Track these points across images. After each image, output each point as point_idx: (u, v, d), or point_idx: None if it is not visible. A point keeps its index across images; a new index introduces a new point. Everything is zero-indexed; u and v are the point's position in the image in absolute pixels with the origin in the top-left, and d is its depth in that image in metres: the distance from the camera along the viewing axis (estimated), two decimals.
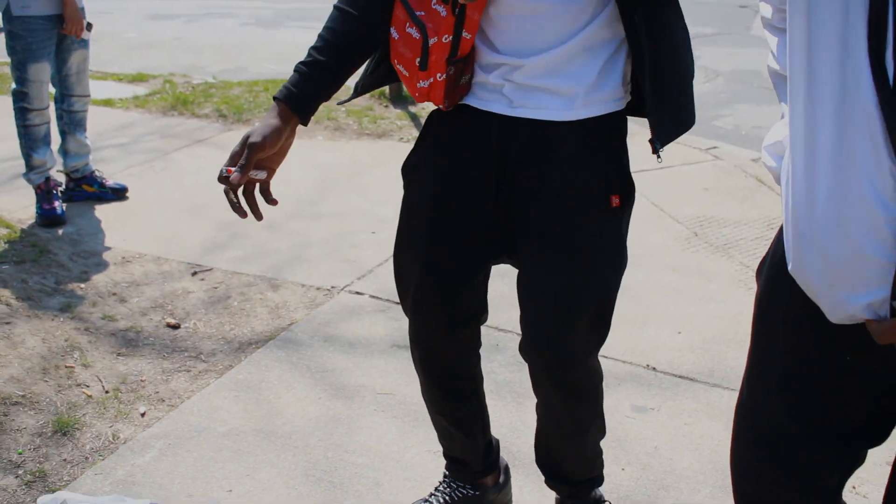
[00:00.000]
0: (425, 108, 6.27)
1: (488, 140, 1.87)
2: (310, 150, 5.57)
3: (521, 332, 2.00)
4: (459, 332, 2.11)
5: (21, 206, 4.63)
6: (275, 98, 1.82)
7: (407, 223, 2.06)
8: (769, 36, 1.45)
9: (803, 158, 1.21)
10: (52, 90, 4.61)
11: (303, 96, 1.81)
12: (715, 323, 3.44)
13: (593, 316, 1.92)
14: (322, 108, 5.97)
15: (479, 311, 2.12)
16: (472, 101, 1.88)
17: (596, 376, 2.07)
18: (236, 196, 1.82)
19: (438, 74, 1.77)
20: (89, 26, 4.60)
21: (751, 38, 10.37)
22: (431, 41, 1.74)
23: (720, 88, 7.95)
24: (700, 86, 8.00)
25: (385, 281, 3.78)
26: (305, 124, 1.86)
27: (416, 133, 5.82)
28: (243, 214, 1.82)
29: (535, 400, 2.12)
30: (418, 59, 1.76)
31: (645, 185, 4.75)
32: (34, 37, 4.38)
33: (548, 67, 1.79)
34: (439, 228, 1.98)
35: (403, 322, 3.39)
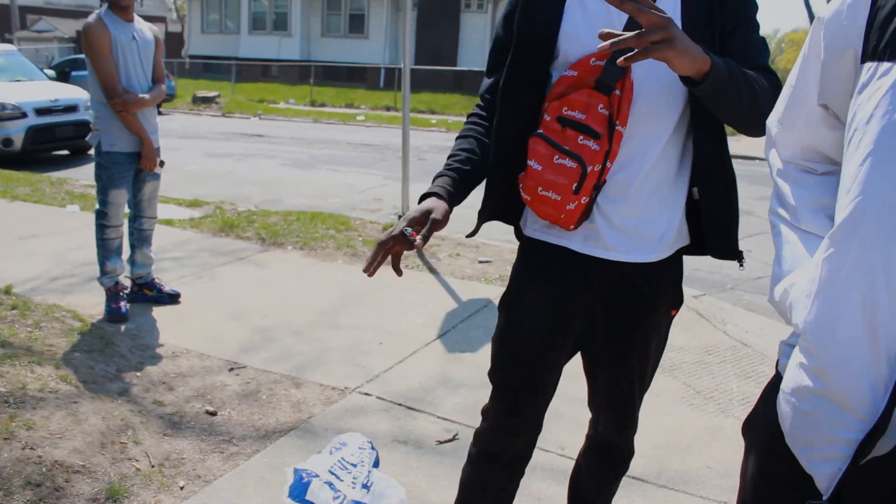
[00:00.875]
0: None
1: (588, 278, 1.87)
2: (331, 271, 5.61)
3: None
4: (536, 431, 2.05)
5: (93, 304, 4.63)
6: (433, 194, 1.79)
7: (513, 341, 1.95)
8: (784, 184, 1.34)
9: None
10: (126, 211, 4.67)
11: (456, 196, 1.82)
12: (662, 432, 3.42)
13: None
14: (342, 236, 6.02)
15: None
16: (574, 244, 1.87)
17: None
18: (382, 257, 1.75)
19: (584, 198, 1.75)
20: (162, 163, 4.70)
21: None
22: (589, 169, 1.72)
23: None
24: None
25: (389, 384, 3.76)
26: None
27: (419, 262, 5.87)
28: (373, 272, 1.75)
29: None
30: (574, 185, 1.73)
31: None
32: (117, 169, 4.47)
33: (638, 214, 1.81)
34: (544, 350, 1.93)
35: (404, 420, 3.41)
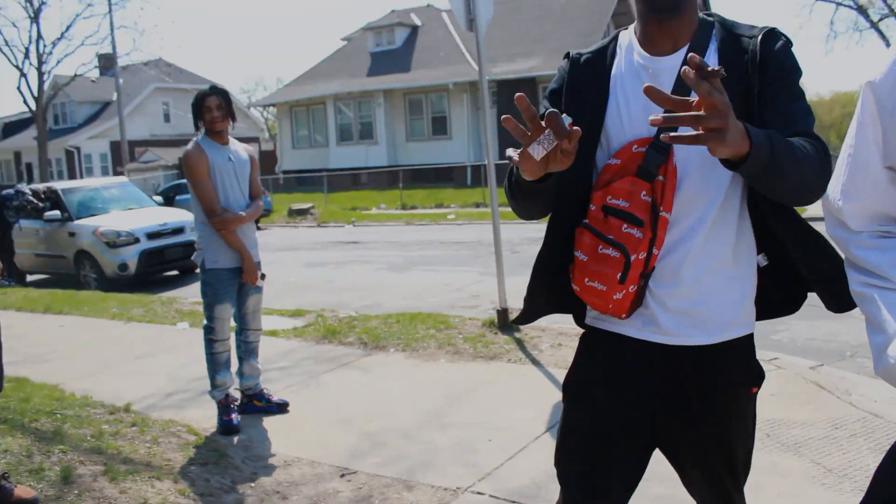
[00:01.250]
0: (528, 333, 6.28)
1: (651, 364, 1.84)
2: (434, 371, 5.61)
3: None
4: None
5: (206, 418, 4.74)
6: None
7: (575, 437, 1.92)
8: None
9: None
10: (232, 324, 4.82)
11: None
12: None
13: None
14: (443, 335, 6.02)
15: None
16: (631, 331, 1.84)
17: None
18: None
19: (631, 286, 1.74)
20: (263, 276, 4.87)
21: None
22: (632, 258, 1.71)
23: None
24: None
25: (501, 481, 3.67)
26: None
27: (521, 355, 5.81)
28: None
29: None
30: (619, 274, 1.72)
31: None
32: (221, 285, 4.64)
33: (692, 296, 1.78)
34: (607, 448, 1.87)
35: None
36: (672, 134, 1.36)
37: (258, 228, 21.51)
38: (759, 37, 1.74)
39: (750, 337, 1.87)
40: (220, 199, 4.63)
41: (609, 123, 1.82)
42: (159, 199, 18.18)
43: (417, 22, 34.50)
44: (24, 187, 14.09)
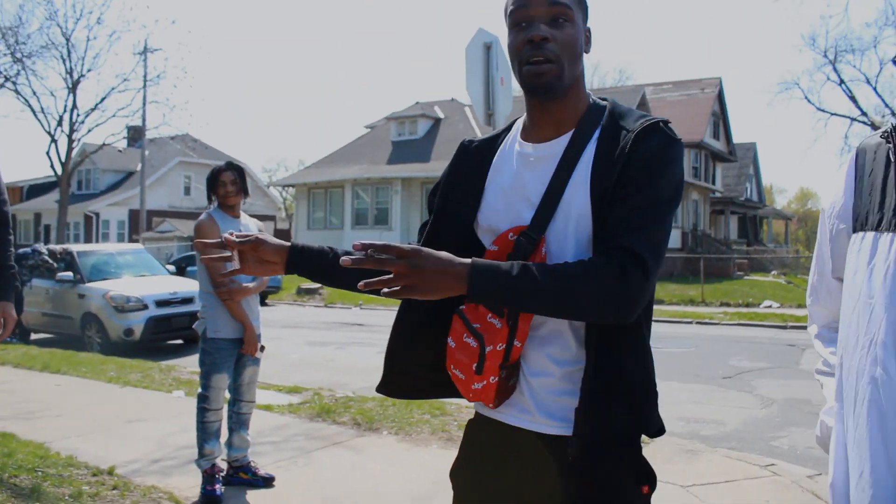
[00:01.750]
0: None
1: (528, 453, 1.77)
2: (426, 456, 5.51)
3: None
4: None
5: (189, 486, 4.65)
6: (292, 244, 1.90)
7: None
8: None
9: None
10: (226, 395, 4.78)
11: (303, 258, 1.90)
12: None
13: None
14: (438, 420, 5.95)
15: None
16: (505, 416, 1.80)
17: None
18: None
19: (491, 377, 1.69)
20: (262, 349, 4.86)
21: (800, 371, 10.14)
22: (488, 349, 1.68)
23: (775, 414, 7.68)
24: (758, 411, 7.77)
25: None
26: (284, 272, 1.91)
27: None
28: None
29: None
30: (475, 364, 1.69)
31: (713, 495, 4.50)
32: (220, 354, 4.64)
33: (565, 386, 1.71)
34: None
35: None
36: (365, 280, 1.51)
37: (265, 304, 21.62)
38: (636, 132, 1.68)
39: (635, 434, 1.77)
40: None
41: (489, 211, 1.82)
42: (172, 268, 18.30)
43: (440, 114, 35.25)
44: (41, 247, 14.25)
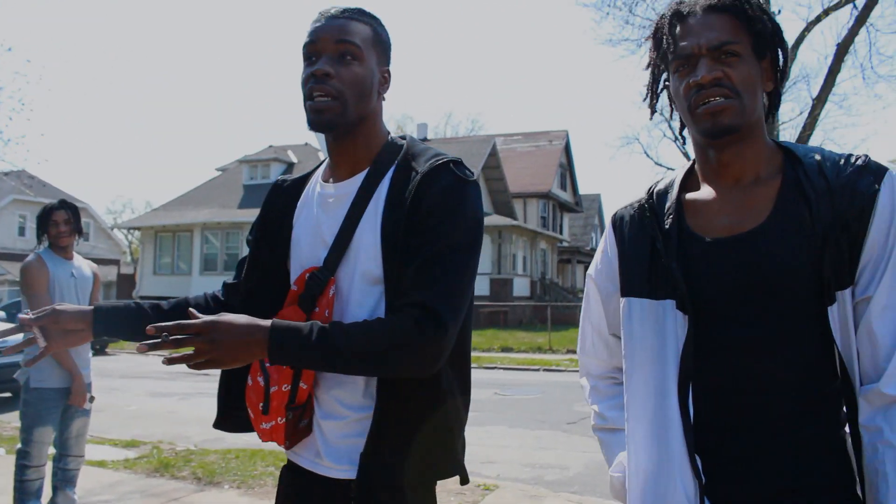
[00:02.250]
0: None
1: (321, 497, 1.74)
2: None
3: None
4: None
5: None
6: (96, 307, 1.85)
7: None
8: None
9: (643, 473, 1.53)
10: (51, 451, 4.46)
11: (109, 320, 1.85)
12: None
13: None
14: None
15: None
16: (298, 459, 1.79)
17: None
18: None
19: (279, 418, 1.68)
20: (91, 399, 4.58)
21: None
22: (272, 389, 1.68)
23: None
24: (599, 455, 7.90)
25: None
26: (92, 337, 1.87)
27: None
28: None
29: None
30: (261, 404, 1.69)
31: None
32: (44, 405, 4.34)
33: (355, 427, 1.70)
34: None
35: None
36: (167, 357, 1.49)
37: (104, 353, 20.47)
38: (423, 173, 1.67)
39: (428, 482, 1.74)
40: None
41: (295, 251, 1.84)
42: (2, 314, 17.05)
43: (294, 159, 34.97)
44: None
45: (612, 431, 1.70)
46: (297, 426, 1.72)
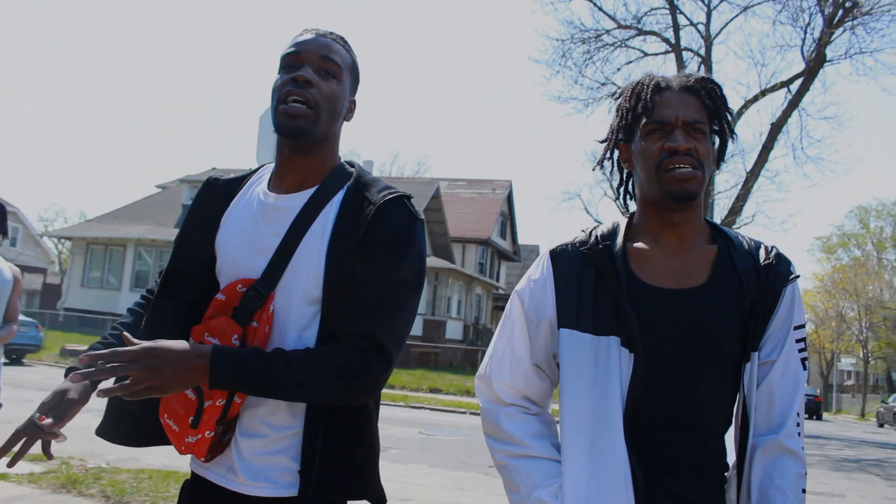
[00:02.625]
0: None
1: None
2: None
3: None
4: None
5: None
6: (71, 370, 1.72)
7: None
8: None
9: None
10: None
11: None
12: None
13: None
14: None
15: None
16: (209, 474, 1.74)
17: None
18: (15, 445, 1.69)
19: (207, 432, 1.63)
20: None
21: None
22: (207, 403, 1.62)
23: None
24: None
25: None
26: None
27: None
28: (11, 464, 1.72)
29: None
30: (192, 418, 1.63)
31: None
32: None
33: (275, 445, 1.68)
34: None
35: None
36: (101, 389, 1.47)
37: (21, 363, 19.75)
38: (378, 205, 1.69)
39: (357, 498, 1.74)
40: None
41: (222, 255, 1.79)
42: None
43: None
44: None
45: (533, 459, 1.68)
46: (221, 440, 1.69)
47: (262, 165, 1.91)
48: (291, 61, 1.73)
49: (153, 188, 38.26)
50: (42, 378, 16.87)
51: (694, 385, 1.63)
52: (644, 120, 1.70)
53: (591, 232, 1.77)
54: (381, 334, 1.61)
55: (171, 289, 1.83)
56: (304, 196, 1.74)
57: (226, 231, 1.80)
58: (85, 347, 20.60)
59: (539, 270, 1.77)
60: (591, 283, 1.68)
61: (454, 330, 33.03)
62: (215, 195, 1.87)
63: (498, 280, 42.32)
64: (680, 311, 1.64)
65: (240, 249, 1.75)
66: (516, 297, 1.79)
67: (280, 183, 1.79)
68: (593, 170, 1.90)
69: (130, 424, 1.82)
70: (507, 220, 42.29)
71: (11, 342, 4.38)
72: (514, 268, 46.84)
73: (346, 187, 1.75)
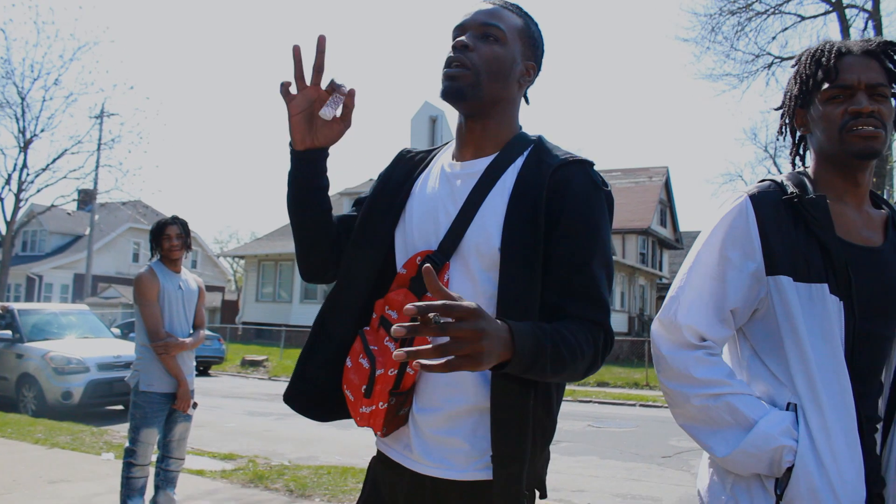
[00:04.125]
0: None
1: (404, 493, 1.70)
2: None
3: None
4: None
5: None
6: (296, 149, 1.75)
7: None
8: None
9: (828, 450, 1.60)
10: (155, 452, 4.68)
11: (322, 166, 1.77)
12: None
13: None
14: None
15: None
16: (389, 451, 1.74)
17: None
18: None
19: (380, 403, 1.62)
20: (195, 405, 4.80)
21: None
22: (378, 372, 1.62)
23: None
24: (694, 489, 7.74)
25: None
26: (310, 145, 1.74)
27: None
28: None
29: None
30: (364, 387, 1.63)
31: None
32: (151, 408, 4.57)
33: (451, 423, 1.64)
34: None
35: None
36: (422, 362, 1.21)
37: (207, 374, 21.19)
38: (554, 167, 1.65)
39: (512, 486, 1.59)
40: (164, 324, 4.65)
41: (405, 229, 1.77)
42: (117, 331, 17.88)
43: None
44: None
45: (740, 396, 1.66)
46: (397, 413, 1.66)
47: (449, 141, 1.90)
48: (457, 33, 1.75)
49: None
50: (227, 387, 18.03)
51: (887, 338, 1.73)
52: (826, 85, 1.72)
53: (781, 182, 1.77)
54: (608, 322, 1.61)
55: (364, 241, 1.81)
56: (483, 163, 1.73)
57: (412, 200, 1.79)
58: (263, 357, 21.54)
59: (739, 216, 1.72)
60: (795, 230, 1.69)
61: (619, 322, 32.47)
62: (406, 165, 1.88)
63: (661, 269, 41.23)
64: (873, 268, 1.70)
65: (421, 218, 1.74)
66: (714, 240, 1.74)
67: (460, 153, 1.79)
68: (776, 139, 1.90)
69: (315, 394, 1.81)
70: (667, 208, 41.14)
71: (198, 355, 4.77)
72: (677, 255, 45.47)
73: (525, 153, 1.73)
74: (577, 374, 1.55)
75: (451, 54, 1.70)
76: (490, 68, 1.70)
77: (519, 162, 1.71)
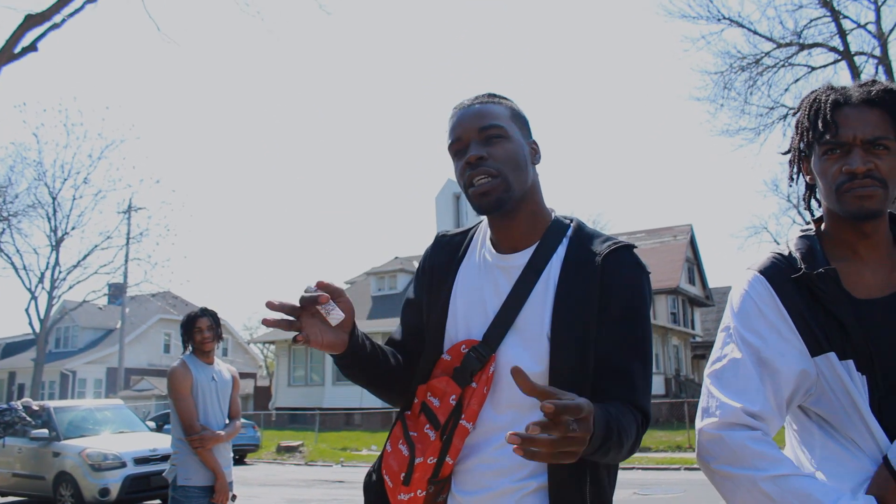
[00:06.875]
0: None
1: None
2: None
3: None
4: None
5: None
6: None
7: None
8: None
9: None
10: None
11: (364, 346, 1.67)
12: None
13: None
14: None
15: None
16: None
17: None
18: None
19: (419, 491, 1.63)
20: (234, 497, 4.78)
21: None
22: (418, 460, 1.62)
23: None
24: None
25: None
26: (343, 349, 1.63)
27: None
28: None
29: None
30: (403, 474, 1.63)
31: None
32: (190, 502, 4.55)
33: (495, 502, 1.64)
34: None
35: None
36: (529, 449, 1.21)
37: (243, 463, 21.02)
38: (604, 255, 1.68)
39: None
40: (199, 417, 4.66)
41: (451, 314, 1.78)
42: (152, 424, 17.87)
43: None
44: (17, 404, 13.87)
45: (804, 477, 1.53)
46: (435, 501, 1.67)
47: (481, 222, 1.90)
48: (457, 148, 1.75)
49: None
50: (264, 475, 17.89)
51: None
52: (824, 138, 1.64)
53: (789, 254, 1.69)
54: (648, 409, 1.62)
55: (406, 344, 1.84)
56: (525, 255, 1.74)
57: (457, 288, 1.80)
58: (298, 443, 21.38)
59: (766, 303, 1.65)
60: (819, 308, 1.61)
61: (656, 384, 31.95)
62: (445, 250, 1.88)
63: (693, 328, 40.73)
64: (891, 318, 1.59)
65: (466, 309, 1.76)
66: (756, 336, 1.64)
67: (500, 243, 1.80)
68: (789, 185, 1.82)
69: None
70: (694, 265, 40.86)
71: (234, 444, 4.75)
72: (708, 313, 44.94)
73: (565, 241, 1.75)
74: (621, 456, 1.57)
75: (470, 171, 1.70)
76: (511, 166, 1.71)
77: (561, 251, 1.73)
